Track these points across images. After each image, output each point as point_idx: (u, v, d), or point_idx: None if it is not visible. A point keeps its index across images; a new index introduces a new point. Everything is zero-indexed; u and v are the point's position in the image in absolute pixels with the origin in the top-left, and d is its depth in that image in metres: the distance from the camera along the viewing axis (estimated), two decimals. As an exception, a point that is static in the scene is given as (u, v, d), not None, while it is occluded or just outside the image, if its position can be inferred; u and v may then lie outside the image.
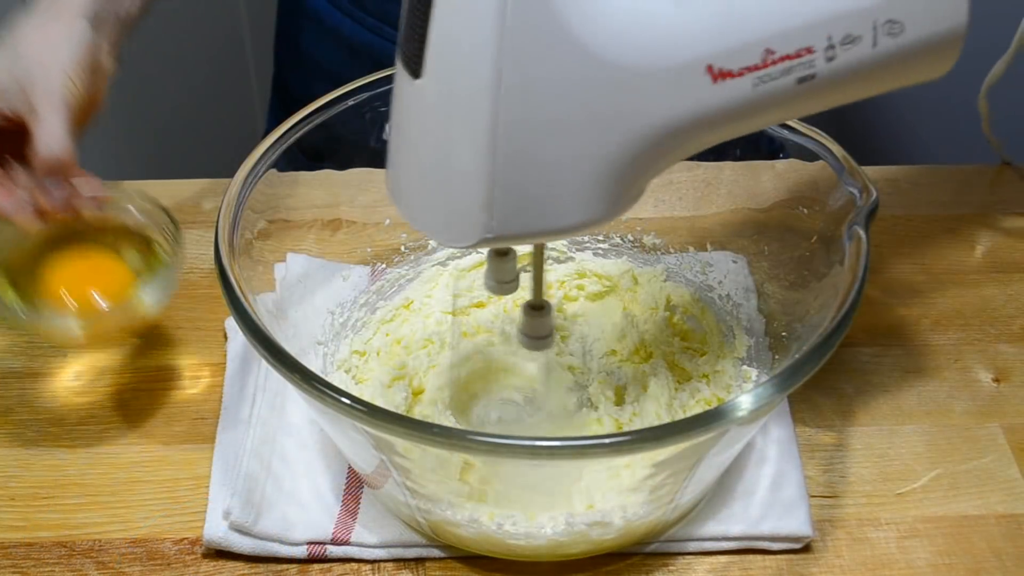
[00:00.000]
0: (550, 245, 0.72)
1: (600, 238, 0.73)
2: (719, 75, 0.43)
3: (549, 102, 0.42)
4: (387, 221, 0.70)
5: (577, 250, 0.73)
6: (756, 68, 0.43)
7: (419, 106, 0.44)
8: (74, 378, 0.68)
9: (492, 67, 0.41)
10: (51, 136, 0.62)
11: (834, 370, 0.69)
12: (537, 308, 0.54)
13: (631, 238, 0.72)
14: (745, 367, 0.64)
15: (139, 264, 0.66)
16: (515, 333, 0.56)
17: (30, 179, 0.64)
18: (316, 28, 0.94)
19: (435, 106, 0.43)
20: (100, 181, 0.65)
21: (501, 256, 0.52)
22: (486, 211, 0.44)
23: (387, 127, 0.47)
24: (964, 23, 0.45)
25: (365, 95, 0.63)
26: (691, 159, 0.68)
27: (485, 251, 0.71)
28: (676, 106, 0.43)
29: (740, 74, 0.43)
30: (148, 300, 0.64)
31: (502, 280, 0.53)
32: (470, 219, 0.44)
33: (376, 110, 0.64)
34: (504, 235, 0.44)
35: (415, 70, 0.43)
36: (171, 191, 0.83)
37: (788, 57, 0.43)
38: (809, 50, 0.44)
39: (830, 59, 0.44)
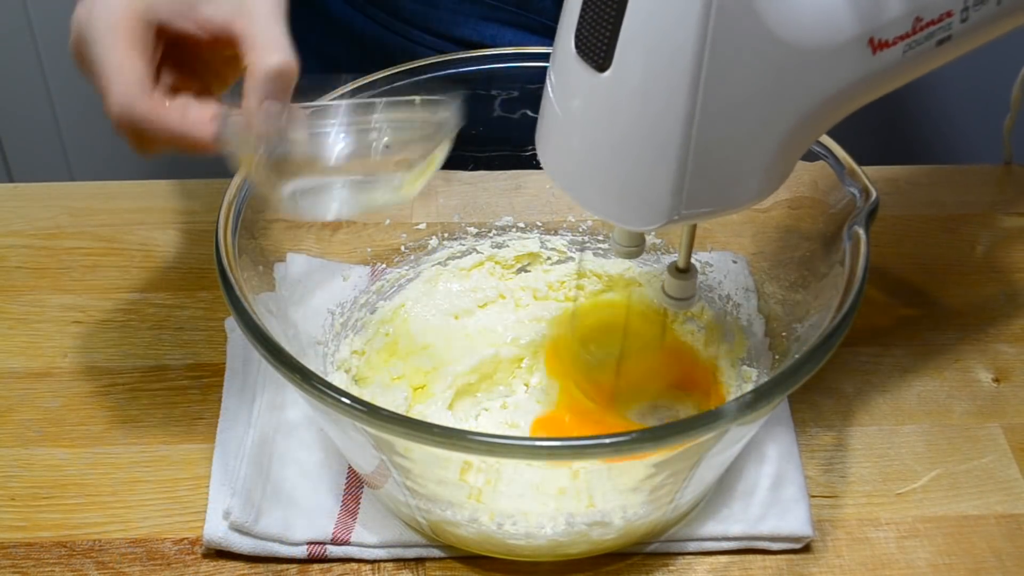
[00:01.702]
0: (549, 246, 0.73)
1: (600, 238, 0.73)
2: (878, 46, 0.46)
3: (741, 88, 0.44)
4: (387, 221, 0.70)
5: (577, 250, 0.73)
6: (907, 36, 0.47)
7: (604, 98, 0.45)
8: (74, 378, 0.68)
9: (693, 60, 0.43)
10: (276, 43, 0.55)
11: (834, 370, 0.69)
12: (683, 271, 0.57)
13: (631, 238, 0.72)
14: (745, 367, 0.64)
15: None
16: (659, 296, 0.59)
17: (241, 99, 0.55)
18: (326, 24, 0.94)
19: (625, 98, 0.45)
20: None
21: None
22: (675, 195, 0.46)
23: (545, 111, 0.49)
24: None
25: (375, 92, 0.63)
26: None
27: (485, 252, 0.72)
28: (843, 78, 0.47)
29: (894, 43, 0.47)
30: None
31: (631, 244, 0.56)
32: (659, 203, 0.46)
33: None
34: (689, 216, 0.47)
35: (601, 64, 0.44)
36: (171, 191, 0.83)
37: (933, 23, 0.47)
38: (949, 14, 0.48)
39: (964, 20, 0.48)
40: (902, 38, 0.47)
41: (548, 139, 0.49)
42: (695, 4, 0.42)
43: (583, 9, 0.45)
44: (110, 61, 0.54)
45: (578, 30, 0.45)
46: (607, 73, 0.44)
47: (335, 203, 0.56)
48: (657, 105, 0.44)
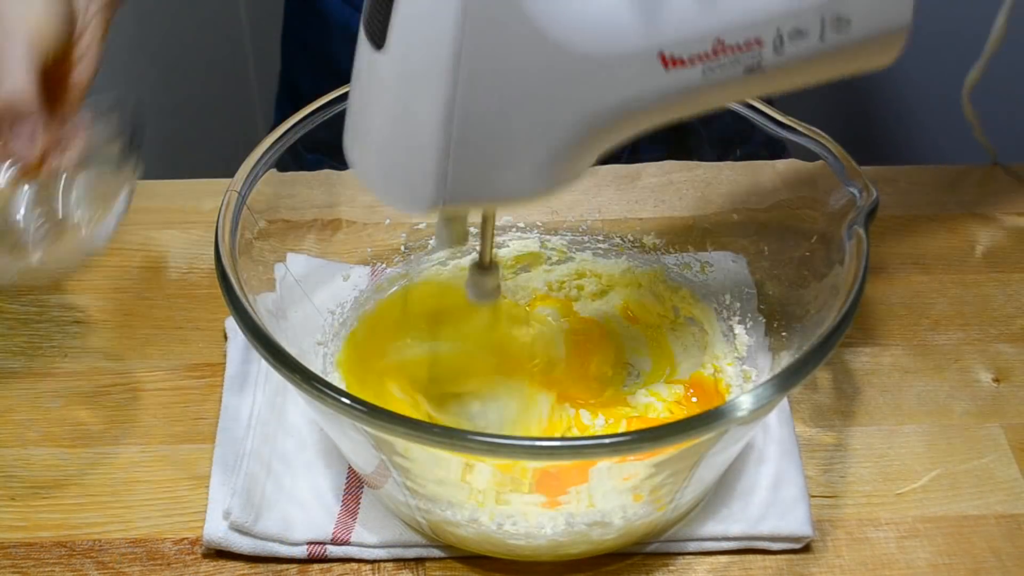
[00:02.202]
0: (549, 246, 0.73)
1: (600, 238, 0.73)
2: (672, 62, 0.44)
3: (506, 84, 0.43)
4: (387, 221, 0.70)
5: (577, 250, 0.73)
6: (706, 58, 0.45)
7: (379, 77, 0.45)
8: (74, 378, 0.68)
9: (452, 47, 0.42)
10: (9, 73, 0.55)
11: (834, 370, 0.69)
12: (484, 268, 0.57)
13: (631, 238, 0.72)
14: (745, 367, 0.64)
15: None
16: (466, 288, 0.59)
17: None
18: (323, 24, 0.94)
19: (395, 79, 0.44)
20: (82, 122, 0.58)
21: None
22: (440, 181, 0.45)
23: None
24: (909, 18, 0.47)
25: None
26: (691, 159, 0.69)
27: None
28: (628, 91, 0.45)
29: (691, 63, 0.44)
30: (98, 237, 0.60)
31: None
32: (425, 187, 0.45)
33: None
34: (456, 203, 0.46)
35: (378, 42, 0.44)
36: (171, 191, 0.83)
37: (738, 48, 0.45)
38: (758, 42, 0.45)
39: (778, 51, 0.46)
40: (701, 59, 0.45)
41: (347, 120, 0.49)
42: None
43: None
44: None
45: (365, 8, 0.45)
46: (383, 51, 0.44)
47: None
48: (419, 86, 0.44)
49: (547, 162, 0.46)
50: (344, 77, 0.66)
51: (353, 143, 0.49)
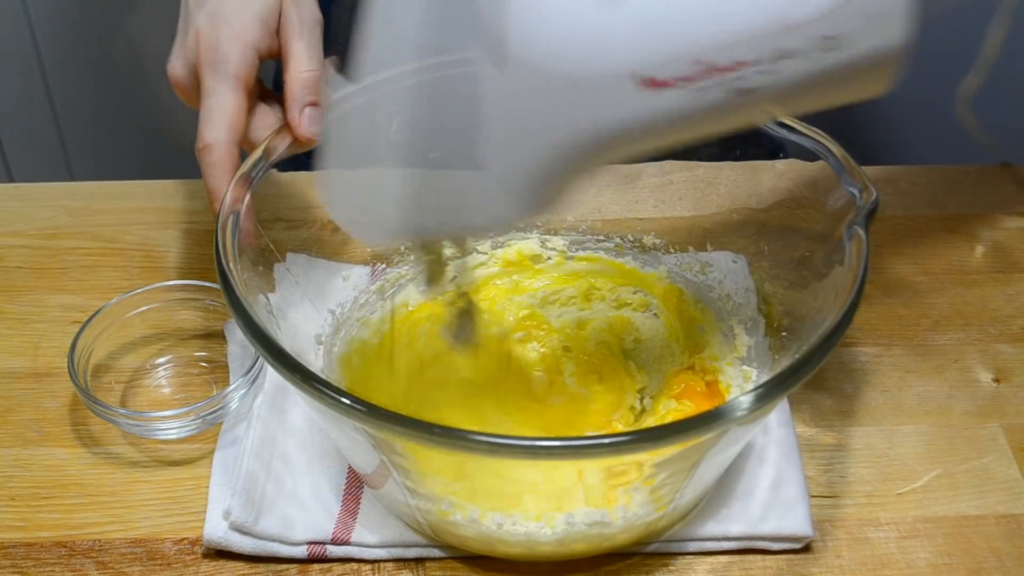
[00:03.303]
0: (549, 245, 0.72)
1: (601, 238, 0.73)
2: (652, 84, 0.42)
3: (474, 108, 0.42)
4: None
5: (577, 249, 0.73)
6: (687, 79, 0.42)
7: (345, 108, 0.45)
8: (74, 378, 0.69)
9: (414, 71, 0.42)
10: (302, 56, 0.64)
11: (834, 370, 0.69)
12: (464, 310, 0.57)
13: (631, 238, 0.72)
14: (745, 367, 0.64)
15: None
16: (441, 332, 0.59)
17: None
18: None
19: (359, 110, 0.44)
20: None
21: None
22: (405, 210, 0.45)
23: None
24: (900, 42, 0.44)
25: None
26: (691, 159, 0.69)
27: (486, 252, 0.72)
28: (603, 114, 0.43)
29: (671, 84, 0.42)
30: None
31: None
32: (389, 217, 0.45)
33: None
34: (421, 232, 0.46)
35: (347, 72, 0.44)
36: (171, 191, 0.83)
37: (721, 69, 0.42)
38: (743, 64, 0.42)
39: (765, 73, 0.43)
40: (680, 80, 0.42)
41: (321, 153, 0.49)
42: (416, 11, 0.41)
43: (347, 17, 0.45)
44: (222, 104, 0.61)
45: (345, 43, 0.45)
46: (350, 83, 0.44)
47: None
48: (383, 115, 0.43)
49: (527, 187, 0.44)
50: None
51: (323, 175, 0.49)
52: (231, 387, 0.63)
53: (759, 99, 0.43)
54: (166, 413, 0.62)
